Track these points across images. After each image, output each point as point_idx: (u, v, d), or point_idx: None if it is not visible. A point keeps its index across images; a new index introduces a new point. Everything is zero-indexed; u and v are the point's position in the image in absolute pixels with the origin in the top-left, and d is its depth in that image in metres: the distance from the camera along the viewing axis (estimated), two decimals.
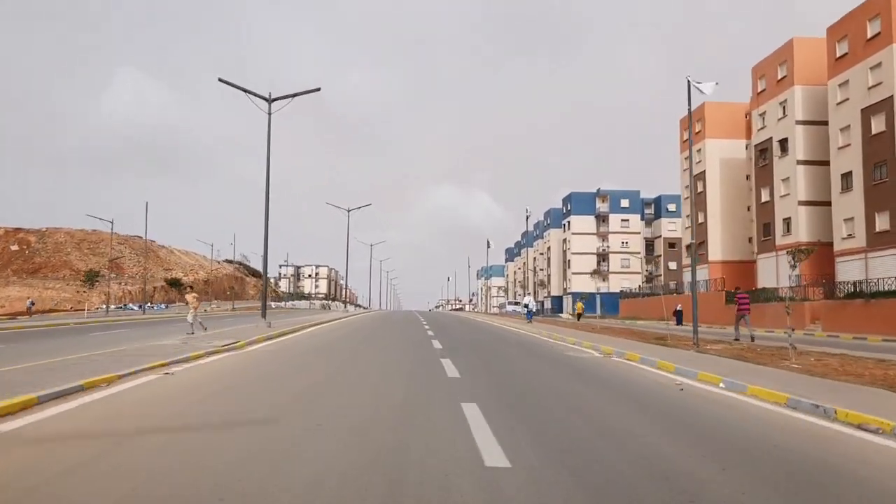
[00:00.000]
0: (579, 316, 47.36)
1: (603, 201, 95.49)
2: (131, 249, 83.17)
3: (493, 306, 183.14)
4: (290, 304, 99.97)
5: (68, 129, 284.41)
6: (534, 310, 32.61)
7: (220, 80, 22.96)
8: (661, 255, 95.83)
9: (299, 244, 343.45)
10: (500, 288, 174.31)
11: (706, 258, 59.69)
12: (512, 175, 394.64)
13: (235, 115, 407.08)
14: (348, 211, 61.68)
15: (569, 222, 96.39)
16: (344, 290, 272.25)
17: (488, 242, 66.54)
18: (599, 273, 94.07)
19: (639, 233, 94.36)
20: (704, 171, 60.56)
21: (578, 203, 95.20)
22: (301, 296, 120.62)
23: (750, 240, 59.52)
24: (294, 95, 23.93)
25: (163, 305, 72.42)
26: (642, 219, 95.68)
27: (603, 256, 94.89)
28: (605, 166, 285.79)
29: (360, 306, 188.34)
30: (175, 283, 78.24)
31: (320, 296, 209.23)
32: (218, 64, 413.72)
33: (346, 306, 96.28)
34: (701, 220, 61.24)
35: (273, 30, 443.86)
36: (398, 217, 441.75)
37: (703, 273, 58.51)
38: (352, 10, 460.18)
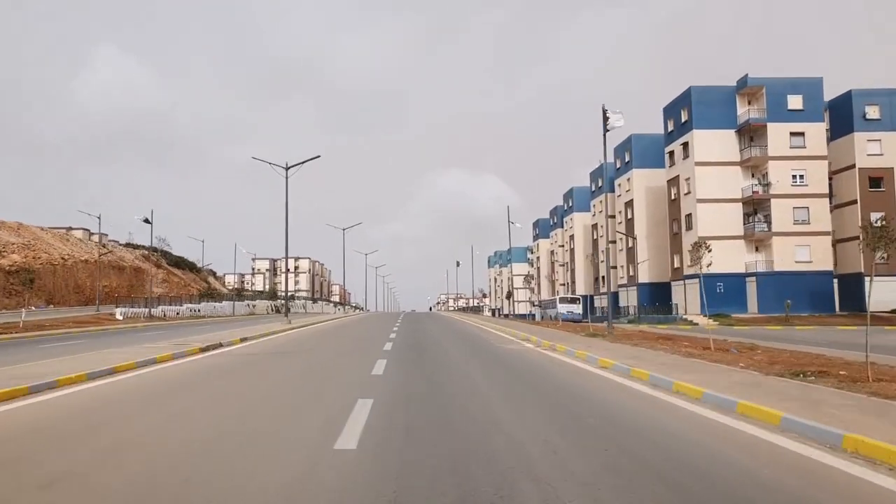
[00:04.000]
0: None
1: (750, 101, 51.59)
2: None
3: (519, 300, 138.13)
4: (186, 308, 56.65)
5: (46, 115, 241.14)
6: None
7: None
8: (855, 201, 52.16)
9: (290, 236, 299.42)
10: (527, 277, 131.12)
11: None
12: (528, 156, 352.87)
13: (225, 97, 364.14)
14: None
15: (686, 144, 52.48)
16: (330, 287, 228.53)
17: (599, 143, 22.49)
18: (753, 236, 50.21)
19: (824, 157, 50.45)
20: None
21: (706, 107, 51.30)
22: (221, 295, 76.72)
23: None
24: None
25: None
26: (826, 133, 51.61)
27: (755, 205, 51.19)
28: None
29: (341, 305, 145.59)
30: None
31: (302, 293, 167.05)
32: (211, 39, 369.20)
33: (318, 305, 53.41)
34: None
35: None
36: (401, 208, 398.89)
37: None
38: None
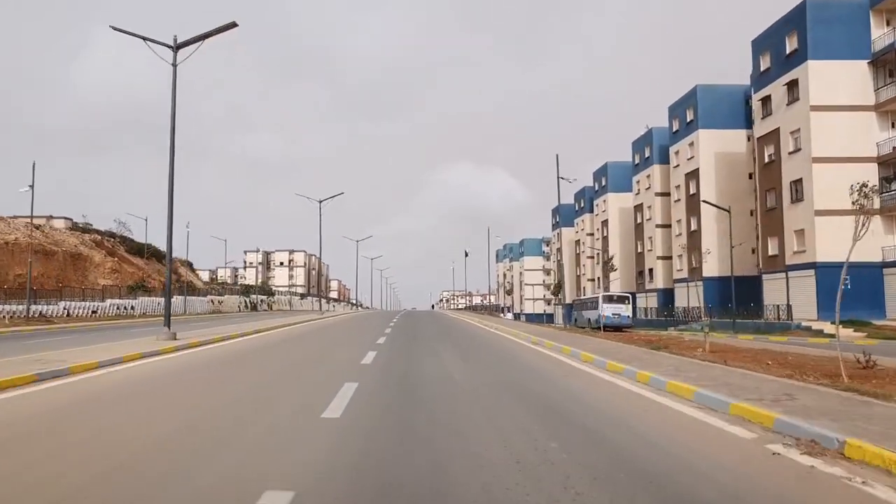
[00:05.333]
0: None
1: (890, 20, 36.77)
2: None
3: (525, 298, 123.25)
4: (110, 305, 42.36)
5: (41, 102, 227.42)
6: None
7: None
8: None
9: (294, 230, 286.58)
10: (545, 271, 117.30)
11: None
12: (536, 151, 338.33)
13: (227, 88, 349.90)
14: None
15: (794, 83, 37.62)
16: (328, 283, 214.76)
17: None
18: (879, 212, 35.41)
19: None
20: None
21: (825, 29, 36.41)
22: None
23: None
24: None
25: None
26: None
27: (889, 164, 36.39)
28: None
29: (336, 301, 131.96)
30: None
31: (297, 289, 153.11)
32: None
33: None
34: None
35: None
36: (402, 206, 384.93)
37: None
38: None
